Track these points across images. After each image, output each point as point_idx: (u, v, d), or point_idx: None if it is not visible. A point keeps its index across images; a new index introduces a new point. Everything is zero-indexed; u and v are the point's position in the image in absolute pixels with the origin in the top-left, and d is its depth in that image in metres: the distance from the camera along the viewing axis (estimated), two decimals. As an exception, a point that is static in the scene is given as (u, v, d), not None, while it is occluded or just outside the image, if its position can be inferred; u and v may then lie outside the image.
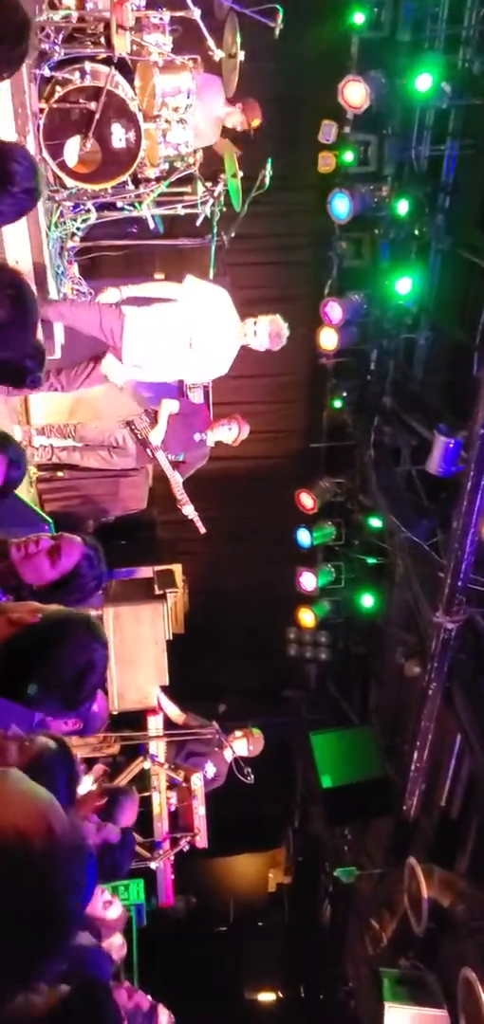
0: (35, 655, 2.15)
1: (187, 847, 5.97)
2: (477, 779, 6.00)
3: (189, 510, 6.03)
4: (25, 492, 6.35)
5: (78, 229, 5.83)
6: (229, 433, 6.15)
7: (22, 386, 3.01)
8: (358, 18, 6.65)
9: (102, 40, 5.06)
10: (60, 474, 6.54)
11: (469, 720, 5.92)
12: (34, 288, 3.18)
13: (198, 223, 6.38)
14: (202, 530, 6.15)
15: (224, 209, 6.28)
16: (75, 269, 5.84)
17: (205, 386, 6.96)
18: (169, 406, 5.99)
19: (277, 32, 5.46)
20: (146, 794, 5.82)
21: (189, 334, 5.42)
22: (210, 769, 6.33)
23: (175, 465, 6.03)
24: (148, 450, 6.00)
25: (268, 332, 5.56)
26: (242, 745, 6.49)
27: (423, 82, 6.27)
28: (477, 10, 6.33)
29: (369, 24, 6.69)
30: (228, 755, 6.48)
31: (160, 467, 6.12)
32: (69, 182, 5.29)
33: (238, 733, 6.55)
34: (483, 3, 6.24)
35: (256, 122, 5.83)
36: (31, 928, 1.36)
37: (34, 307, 2.72)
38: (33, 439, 6.09)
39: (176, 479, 5.98)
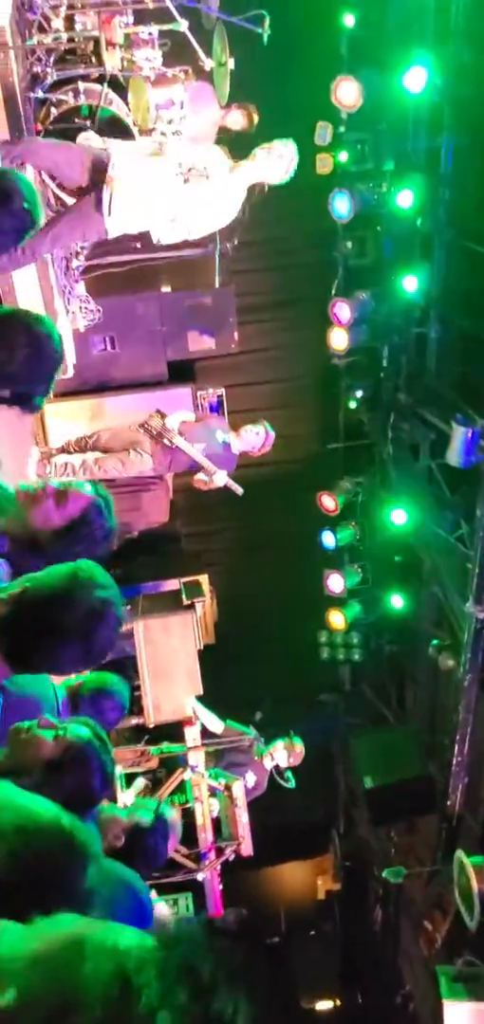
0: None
1: (232, 856, 5.91)
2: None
3: (221, 477, 5.82)
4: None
5: (82, 247, 5.88)
6: (256, 437, 5.99)
7: (31, 410, 3.01)
8: (348, 20, 6.73)
9: (93, 59, 5.14)
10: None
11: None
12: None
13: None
14: (239, 491, 5.94)
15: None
16: (82, 287, 5.90)
17: (219, 394, 7.00)
18: (184, 413, 6.02)
19: (265, 38, 5.52)
20: (188, 805, 5.79)
21: (182, 166, 4.85)
22: (250, 778, 6.27)
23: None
24: (166, 439, 5.85)
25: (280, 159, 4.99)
26: (283, 756, 6.43)
27: (415, 76, 6.31)
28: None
29: (358, 22, 6.76)
30: (268, 763, 6.43)
31: (180, 477, 6.08)
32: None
33: (279, 744, 6.51)
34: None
35: (256, 119, 5.89)
36: None
37: (51, 349, 2.74)
38: (53, 457, 6.12)
39: (199, 455, 5.80)
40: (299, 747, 6.46)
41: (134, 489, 7.06)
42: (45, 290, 5.23)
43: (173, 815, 4.39)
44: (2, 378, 2.76)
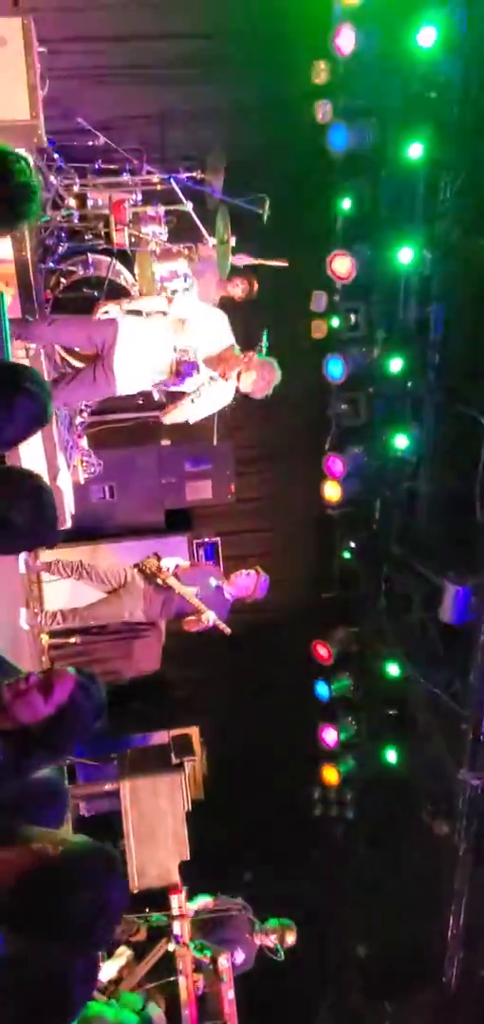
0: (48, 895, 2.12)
1: (216, 1037, 5.58)
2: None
3: (210, 616, 5.82)
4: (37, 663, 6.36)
5: (86, 404, 6.08)
6: (247, 579, 6.05)
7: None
8: (345, 204, 7.19)
9: (102, 233, 5.45)
10: (73, 640, 6.56)
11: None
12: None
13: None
14: (227, 631, 5.93)
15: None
16: (84, 442, 6.07)
17: (214, 540, 7.08)
18: (179, 560, 6.10)
19: (265, 219, 5.91)
20: (171, 979, 5.52)
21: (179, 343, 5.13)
22: (239, 956, 6.02)
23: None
24: (159, 579, 5.91)
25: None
26: (275, 939, 6.26)
27: (405, 255, 6.74)
28: (451, 185, 6.87)
29: (352, 204, 7.22)
30: (259, 941, 6.22)
31: (173, 623, 6.08)
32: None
33: (272, 926, 6.33)
34: (456, 179, 6.78)
35: (256, 287, 6.26)
36: None
37: (53, 511, 2.81)
38: (44, 604, 6.14)
39: (190, 594, 5.84)
40: (293, 936, 6.28)
41: (126, 636, 7.07)
42: (48, 447, 5.36)
43: (159, 1015, 4.20)
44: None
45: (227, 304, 6.44)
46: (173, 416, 5.32)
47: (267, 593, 7.14)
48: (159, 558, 6.05)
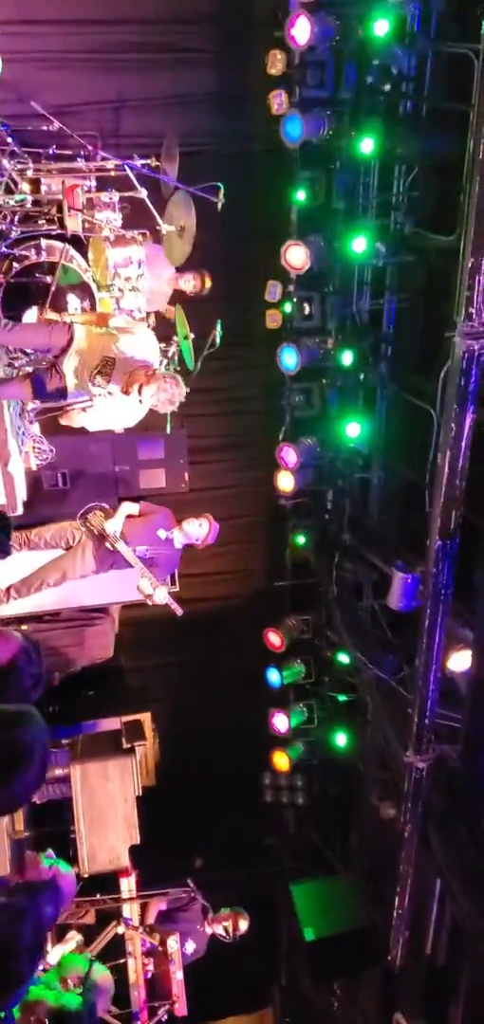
0: None
1: (165, 1016, 5.65)
2: (461, 924, 5.81)
3: (162, 594, 5.58)
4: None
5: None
6: (199, 529, 5.81)
7: None
8: (300, 195, 7.24)
9: (56, 219, 5.43)
10: (23, 627, 6.49)
11: (447, 863, 5.76)
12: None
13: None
14: (179, 612, 5.73)
15: (178, 368, 6.58)
16: (36, 428, 6.03)
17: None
18: (128, 507, 5.86)
19: (219, 206, 5.93)
20: (121, 961, 5.57)
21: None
22: (190, 946, 6.09)
23: (146, 564, 5.73)
24: (107, 543, 5.71)
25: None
26: (228, 926, 6.36)
27: (358, 244, 6.82)
28: (404, 178, 6.98)
29: (306, 195, 7.28)
30: (209, 929, 6.31)
31: (127, 610, 6.02)
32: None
33: (224, 913, 6.42)
34: (409, 172, 6.90)
35: (208, 283, 6.22)
36: None
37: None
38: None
39: (141, 566, 5.63)
40: (244, 923, 6.36)
41: (78, 624, 7.04)
42: (-2, 431, 5.34)
43: (105, 976, 4.23)
44: None
45: (179, 296, 6.47)
46: (69, 420, 5.42)
47: (220, 582, 7.17)
48: (106, 513, 5.83)
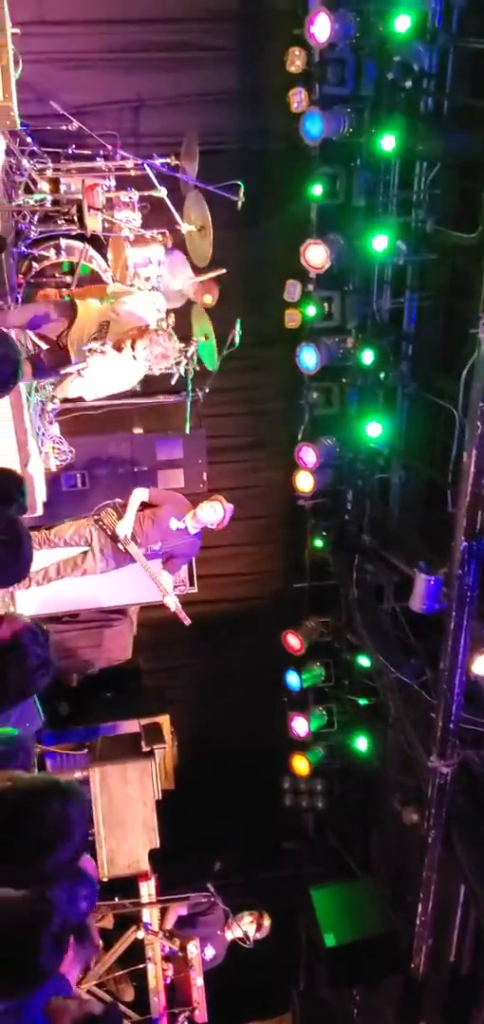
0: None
1: (185, 1023, 5.60)
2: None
3: (171, 601, 5.55)
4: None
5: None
6: (213, 514, 5.63)
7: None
8: (316, 190, 7.18)
9: (75, 219, 5.40)
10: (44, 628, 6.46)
11: (471, 868, 5.69)
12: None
13: (173, 382, 6.62)
14: (187, 621, 5.68)
15: (197, 368, 6.54)
16: (56, 429, 6.01)
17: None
18: (139, 495, 5.72)
19: (239, 205, 5.89)
20: (141, 966, 5.52)
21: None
22: (209, 952, 6.04)
23: (165, 560, 5.68)
24: (120, 544, 5.61)
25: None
26: (249, 930, 6.30)
27: (379, 243, 6.75)
28: (425, 176, 6.90)
29: (326, 193, 7.21)
30: (230, 935, 6.26)
31: (145, 612, 5.96)
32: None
33: (248, 918, 6.35)
34: (430, 169, 6.82)
35: (208, 300, 6.19)
36: None
37: (29, 545, 2.85)
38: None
39: (152, 571, 5.56)
40: (267, 923, 6.28)
41: (96, 625, 7.02)
42: (19, 431, 5.31)
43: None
44: None
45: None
46: (64, 390, 5.22)
47: (238, 583, 7.05)
48: (118, 513, 5.69)
